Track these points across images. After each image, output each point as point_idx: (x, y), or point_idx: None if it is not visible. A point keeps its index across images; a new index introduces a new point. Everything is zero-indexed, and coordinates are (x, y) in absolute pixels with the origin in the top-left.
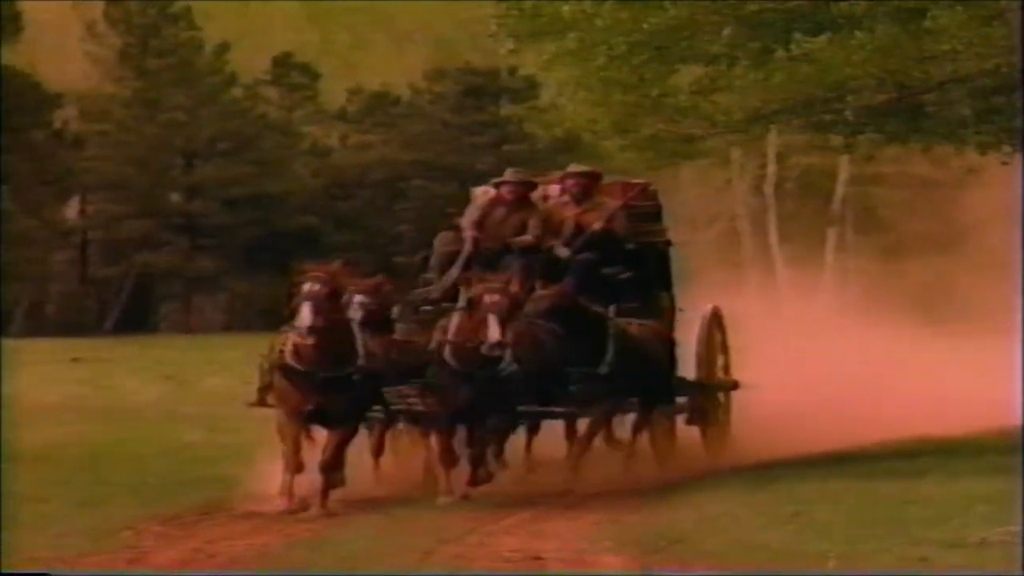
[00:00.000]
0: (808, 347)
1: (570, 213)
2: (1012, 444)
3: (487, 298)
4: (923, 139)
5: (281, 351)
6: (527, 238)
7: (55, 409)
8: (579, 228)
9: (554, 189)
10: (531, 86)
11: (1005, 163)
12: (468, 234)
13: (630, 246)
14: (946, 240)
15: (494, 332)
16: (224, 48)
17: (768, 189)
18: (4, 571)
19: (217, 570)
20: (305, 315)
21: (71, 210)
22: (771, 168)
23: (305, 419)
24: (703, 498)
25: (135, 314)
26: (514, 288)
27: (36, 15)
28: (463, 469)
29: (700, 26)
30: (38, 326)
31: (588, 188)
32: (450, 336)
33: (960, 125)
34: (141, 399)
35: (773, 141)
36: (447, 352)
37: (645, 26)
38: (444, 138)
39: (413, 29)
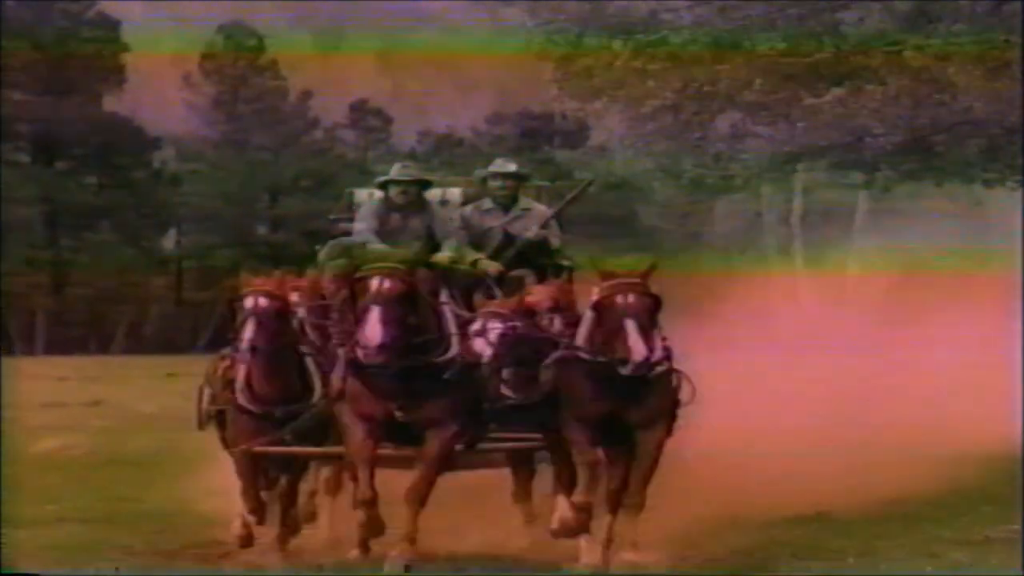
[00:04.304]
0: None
1: (494, 222)
2: (1013, 449)
3: (620, 299)
4: (935, 176)
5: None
6: (387, 263)
7: (153, 419)
8: (508, 238)
9: (454, 193)
10: (582, 129)
11: (1008, 197)
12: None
13: (565, 263)
14: (955, 265)
15: (638, 347)
16: (307, 96)
17: (794, 221)
18: (4, 571)
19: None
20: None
21: (168, 241)
22: (797, 202)
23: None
24: (731, 498)
25: (225, 334)
26: (651, 286)
27: (138, 67)
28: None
29: (735, 78)
30: (137, 344)
31: (516, 192)
32: (580, 338)
33: (968, 163)
34: None
35: (799, 178)
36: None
37: (692, 84)
38: None
39: (477, 78)
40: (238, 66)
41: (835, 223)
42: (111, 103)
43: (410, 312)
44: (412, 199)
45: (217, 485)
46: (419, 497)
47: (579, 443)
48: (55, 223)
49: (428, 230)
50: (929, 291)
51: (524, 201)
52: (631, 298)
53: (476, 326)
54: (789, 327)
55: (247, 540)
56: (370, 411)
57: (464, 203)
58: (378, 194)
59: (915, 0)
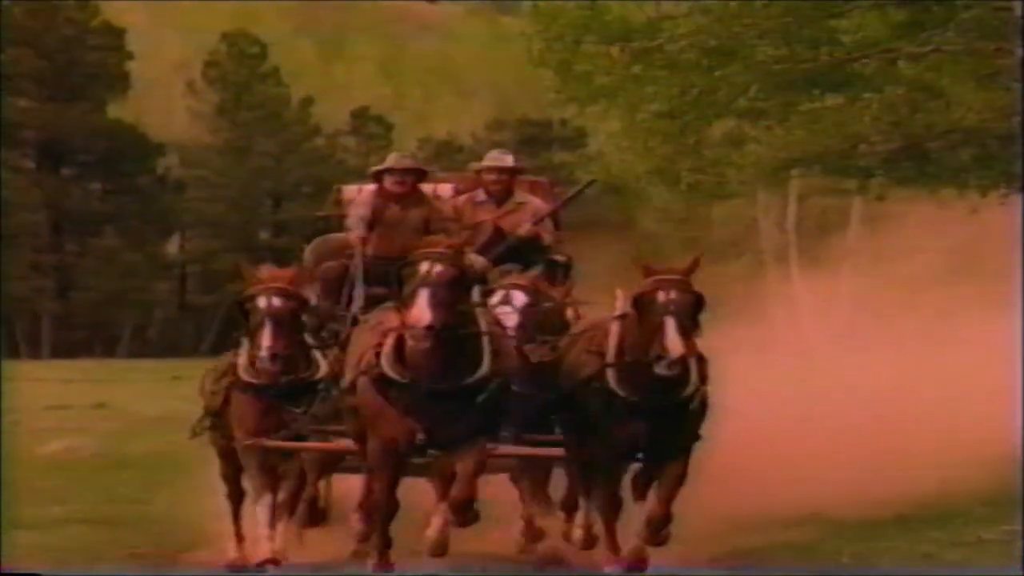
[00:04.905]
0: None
1: (486, 215)
2: (1010, 450)
3: (662, 295)
4: (928, 182)
5: (376, 356)
6: (436, 249)
7: (157, 421)
8: (498, 233)
9: (446, 188)
10: (580, 135)
11: (1002, 203)
12: (357, 241)
13: (560, 258)
14: (950, 271)
15: (675, 344)
16: (308, 102)
17: (790, 226)
18: (4, 571)
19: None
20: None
21: (172, 245)
22: (792, 207)
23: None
24: (729, 499)
25: (228, 337)
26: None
27: (142, 74)
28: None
29: (732, 84)
30: (142, 348)
31: (511, 186)
32: (610, 356)
33: (962, 170)
34: None
35: (795, 183)
36: (611, 378)
37: (690, 90)
38: None
39: (477, 85)
40: (241, 73)
41: (830, 228)
42: (116, 110)
43: (459, 300)
44: (408, 190)
45: (221, 487)
46: (468, 506)
47: (600, 467)
48: (60, 228)
49: (425, 222)
50: (925, 295)
51: (519, 195)
52: (673, 294)
53: (498, 297)
54: (785, 331)
55: (240, 564)
56: (391, 433)
57: (456, 195)
58: (368, 188)
59: (910, 5)
